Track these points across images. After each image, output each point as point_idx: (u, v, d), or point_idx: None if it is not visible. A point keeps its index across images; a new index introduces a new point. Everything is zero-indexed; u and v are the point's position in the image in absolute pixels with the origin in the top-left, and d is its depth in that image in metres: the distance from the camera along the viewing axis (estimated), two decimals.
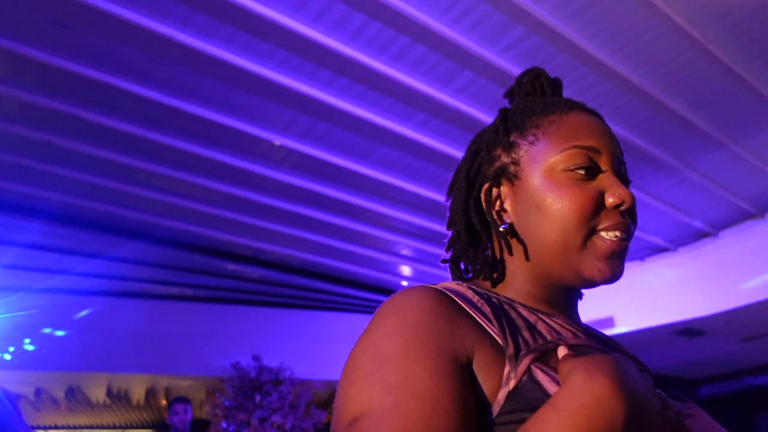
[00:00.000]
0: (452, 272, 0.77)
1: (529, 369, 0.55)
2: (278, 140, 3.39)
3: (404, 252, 4.97)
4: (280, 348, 5.97)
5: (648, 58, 2.74)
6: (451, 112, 3.05)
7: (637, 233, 4.49)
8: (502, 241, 0.70)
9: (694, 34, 2.57)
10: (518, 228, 0.70)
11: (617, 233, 0.65)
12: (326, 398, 6.48)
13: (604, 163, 0.68)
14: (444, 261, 0.77)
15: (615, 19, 2.52)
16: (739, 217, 4.31)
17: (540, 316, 0.65)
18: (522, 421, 0.51)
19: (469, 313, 0.60)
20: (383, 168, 3.70)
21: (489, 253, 0.73)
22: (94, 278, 5.58)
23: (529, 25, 2.53)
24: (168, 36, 2.57)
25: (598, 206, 0.66)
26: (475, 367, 0.56)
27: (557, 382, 0.54)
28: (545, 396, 0.53)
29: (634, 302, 4.76)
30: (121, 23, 2.49)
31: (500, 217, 0.71)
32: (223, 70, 2.80)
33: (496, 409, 0.54)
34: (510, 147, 0.71)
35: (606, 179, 0.67)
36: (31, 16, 2.46)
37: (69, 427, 9.02)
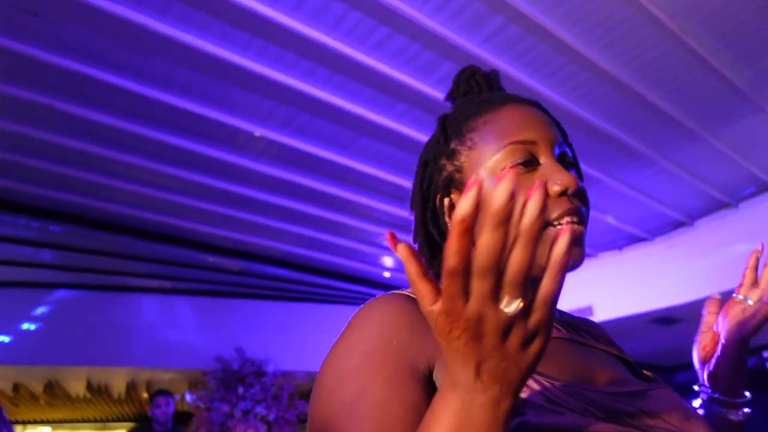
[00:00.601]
0: None
1: None
2: (258, 131, 3.36)
3: (386, 243, 4.98)
4: (262, 340, 5.95)
5: (625, 49, 2.76)
6: (432, 103, 3.05)
7: (615, 223, 4.57)
8: None
9: (671, 26, 2.60)
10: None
11: (568, 218, 0.65)
12: (309, 389, 6.47)
13: (543, 153, 0.68)
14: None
15: (593, 9, 2.54)
16: (714, 207, 4.40)
17: None
18: None
19: None
20: (364, 159, 3.69)
21: None
22: (72, 272, 5.50)
23: (508, 15, 2.53)
24: (143, 24, 2.52)
25: None
26: (437, 372, 0.57)
27: None
28: None
29: (612, 291, 4.84)
30: (94, 11, 2.44)
31: None
32: (200, 60, 2.75)
33: None
34: (452, 155, 0.72)
35: (547, 168, 0.67)
36: None
37: (49, 422, 8.92)
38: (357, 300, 6.33)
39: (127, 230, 4.49)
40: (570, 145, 0.75)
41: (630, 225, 4.66)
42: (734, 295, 0.85)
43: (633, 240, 4.92)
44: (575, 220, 0.66)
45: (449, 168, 0.72)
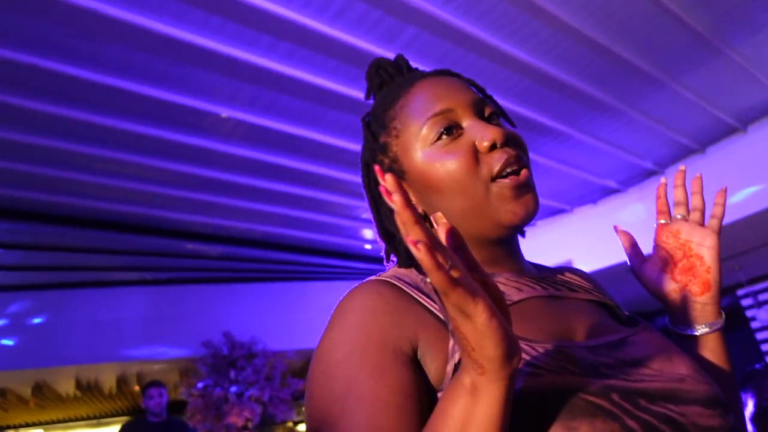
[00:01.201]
0: (398, 261, 0.77)
1: None
2: (224, 112, 3.29)
3: (365, 216, 4.98)
4: (249, 322, 5.96)
5: (586, 2, 2.75)
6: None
7: (589, 177, 4.63)
8: None
9: None
10: (429, 213, 0.71)
11: (508, 169, 0.66)
12: (301, 367, 6.55)
13: (463, 117, 0.69)
14: (388, 258, 0.78)
15: None
16: (682, 154, 4.48)
17: None
18: None
19: (413, 296, 0.63)
20: (335, 132, 3.65)
21: None
22: (47, 271, 5.39)
23: None
24: (93, 9, 2.42)
25: (476, 156, 0.67)
26: (422, 351, 0.59)
27: None
28: None
29: (589, 244, 4.93)
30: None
31: None
32: (157, 43, 2.67)
33: (446, 383, 0.56)
34: (385, 149, 0.74)
35: (471, 129, 0.68)
36: None
37: (41, 424, 8.86)
38: (340, 275, 6.35)
39: (99, 224, 4.41)
40: (490, 98, 0.75)
41: (602, 178, 4.73)
42: (662, 221, 0.86)
43: (606, 192, 5.00)
44: (515, 168, 0.67)
45: (386, 161, 0.74)
